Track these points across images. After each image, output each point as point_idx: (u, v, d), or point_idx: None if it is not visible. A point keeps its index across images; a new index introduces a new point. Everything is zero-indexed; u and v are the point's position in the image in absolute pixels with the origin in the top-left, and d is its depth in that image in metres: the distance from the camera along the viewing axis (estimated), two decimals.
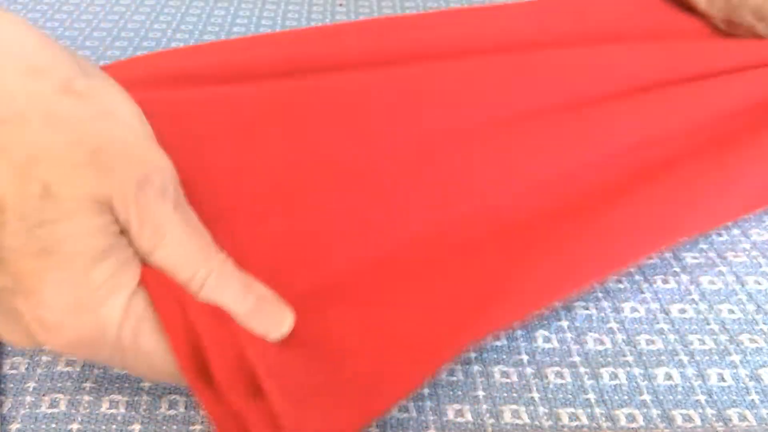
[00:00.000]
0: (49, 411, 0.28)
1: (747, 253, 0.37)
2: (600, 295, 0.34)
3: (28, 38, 0.23)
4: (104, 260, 0.22)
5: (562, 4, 0.45)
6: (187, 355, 0.23)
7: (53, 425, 0.27)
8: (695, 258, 0.36)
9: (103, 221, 0.22)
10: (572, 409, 0.29)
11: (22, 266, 0.21)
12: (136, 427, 0.27)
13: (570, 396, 0.29)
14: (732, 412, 0.29)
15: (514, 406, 0.29)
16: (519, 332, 0.32)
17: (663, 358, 0.31)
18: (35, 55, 0.22)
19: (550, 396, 0.29)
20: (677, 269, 0.36)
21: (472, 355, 0.31)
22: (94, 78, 0.24)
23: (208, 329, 0.23)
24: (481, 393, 0.29)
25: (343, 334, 0.28)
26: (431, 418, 0.28)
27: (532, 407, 0.29)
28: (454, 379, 0.30)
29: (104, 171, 0.22)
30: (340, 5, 0.66)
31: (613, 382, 0.30)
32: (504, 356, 0.31)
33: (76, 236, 0.21)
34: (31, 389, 0.29)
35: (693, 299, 0.34)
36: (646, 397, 0.29)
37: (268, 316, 0.25)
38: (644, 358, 0.31)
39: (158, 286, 0.23)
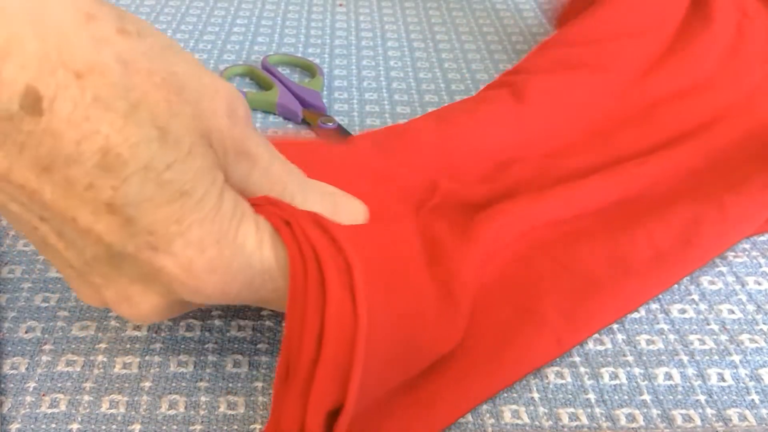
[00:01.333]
0: (49, 411, 0.28)
1: (747, 253, 0.37)
2: None
3: None
4: (226, 191, 0.22)
5: None
6: (299, 268, 0.23)
7: (53, 425, 0.27)
8: None
9: (211, 154, 0.22)
10: (572, 409, 0.29)
11: (158, 216, 0.20)
12: (136, 427, 0.27)
13: (570, 396, 0.29)
14: (732, 412, 0.29)
15: (514, 406, 0.29)
16: None
17: (663, 358, 0.31)
18: (79, 2, 0.20)
19: (550, 396, 0.29)
20: None
21: None
22: (130, 15, 0.22)
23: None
24: None
25: None
26: None
27: (532, 407, 0.29)
28: None
29: (196, 107, 0.21)
30: (340, 5, 0.66)
31: (613, 382, 0.30)
32: None
33: (202, 172, 0.21)
34: (31, 389, 0.29)
35: (693, 299, 0.34)
36: (646, 397, 0.29)
37: (348, 210, 0.28)
38: (644, 358, 0.31)
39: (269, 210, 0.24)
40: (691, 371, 0.30)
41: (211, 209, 0.21)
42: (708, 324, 0.33)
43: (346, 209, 0.28)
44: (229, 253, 0.22)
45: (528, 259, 0.33)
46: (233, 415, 0.28)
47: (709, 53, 0.46)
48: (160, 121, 0.20)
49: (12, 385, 0.29)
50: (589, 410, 0.29)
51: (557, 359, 0.31)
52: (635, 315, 0.33)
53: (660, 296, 0.34)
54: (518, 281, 0.32)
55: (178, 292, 0.22)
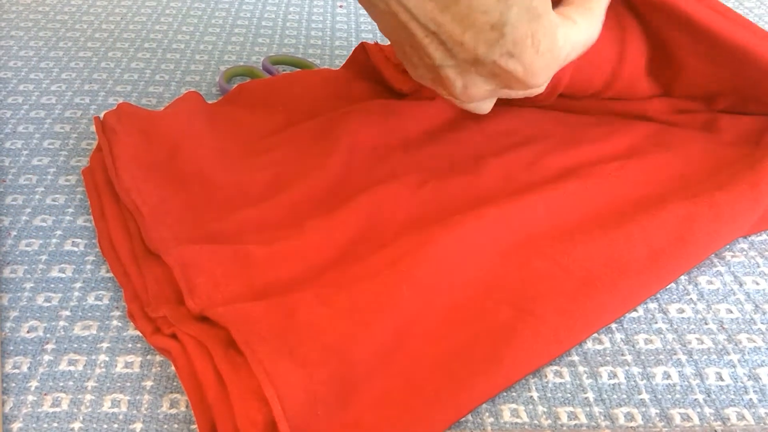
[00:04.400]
0: (51, 410, 0.28)
1: (745, 253, 0.37)
2: None
3: None
4: (548, 3, 0.30)
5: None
6: None
7: (55, 424, 0.28)
8: None
9: None
10: (571, 408, 0.29)
11: (520, 32, 0.29)
12: (138, 426, 0.28)
13: (569, 395, 0.29)
14: (730, 411, 0.29)
15: (513, 405, 0.29)
16: None
17: (661, 357, 0.31)
18: None
19: (549, 395, 0.29)
20: None
21: None
22: None
23: None
24: None
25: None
26: None
27: (531, 406, 0.29)
28: None
29: None
30: (341, 6, 0.66)
31: (612, 381, 0.30)
32: None
33: None
34: (33, 388, 0.29)
35: (691, 299, 0.34)
36: (645, 396, 0.29)
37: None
38: (643, 357, 0.31)
39: None
40: (689, 370, 0.30)
41: (549, 23, 0.30)
42: (706, 323, 0.33)
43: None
44: (556, 53, 0.31)
45: (525, 260, 0.33)
46: None
47: None
48: None
49: (14, 385, 0.29)
50: (588, 409, 0.29)
51: (556, 358, 0.31)
52: (633, 314, 0.33)
53: (658, 296, 0.34)
54: (516, 282, 0.32)
55: (511, 87, 0.31)
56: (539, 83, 0.32)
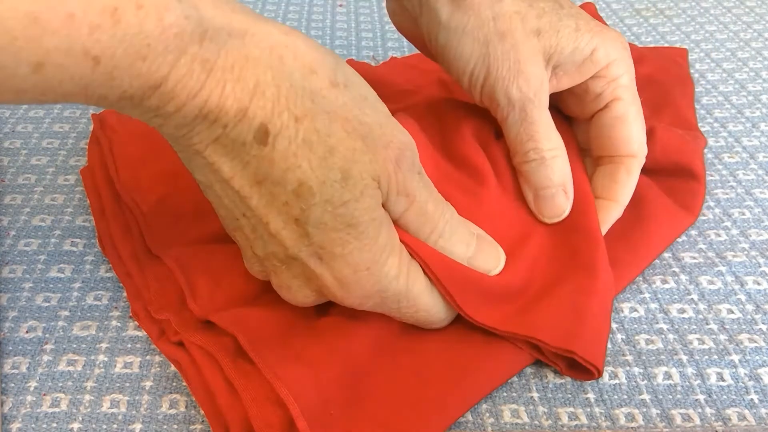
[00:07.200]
0: (50, 410, 0.28)
1: (746, 253, 0.37)
2: None
3: (299, 41, 0.25)
4: (383, 226, 0.26)
5: None
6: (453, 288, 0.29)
7: (54, 424, 0.27)
8: (694, 258, 0.36)
9: (378, 194, 0.26)
10: (572, 409, 0.29)
11: (327, 238, 0.25)
12: (137, 426, 0.27)
13: (569, 395, 0.29)
14: (731, 412, 0.29)
15: (513, 406, 0.29)
16: None
17: (662, 357, 0.31)
18: (307, 56, 0.25)
19: (550, 395, 0.29)
20: (676, 269, 0.36)
21: None
22: (343, 66, 0.26)
23: None
24: None
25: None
26: None
27: (531, 407, 0.29)
28: None
29: (373, 154, 0.26)
30: (341, 5, 0.66)
31: (613, 382, 0.30)
32: None
33: (368, 210, 0.25)
34: (32, 389, 0.29)
35: (692, 299, 0.34)
36: (646, 396, 0.29)
37: (487, 254, 0.31)
38: (643, 357, 0.31)
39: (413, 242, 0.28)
40: (690, 371, 0.30)
41: (369, 241, 0.26)
42: (707, 324, 0.33)
43: (484, 255, 0.31)
44: (375, 278, 0.26)
45: (513, 248, 0.33)
46: None
47: None
48: (345, 166, 0.25)
49: (13, 385, 0.29)
50: (589, 410, 0.29)
51: None
52: (634, 315, 0.33)
53: (659, 296, 0.34)
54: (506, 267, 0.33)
55: (326, 295, 0.27)
56: (354, 302, 0.27)
